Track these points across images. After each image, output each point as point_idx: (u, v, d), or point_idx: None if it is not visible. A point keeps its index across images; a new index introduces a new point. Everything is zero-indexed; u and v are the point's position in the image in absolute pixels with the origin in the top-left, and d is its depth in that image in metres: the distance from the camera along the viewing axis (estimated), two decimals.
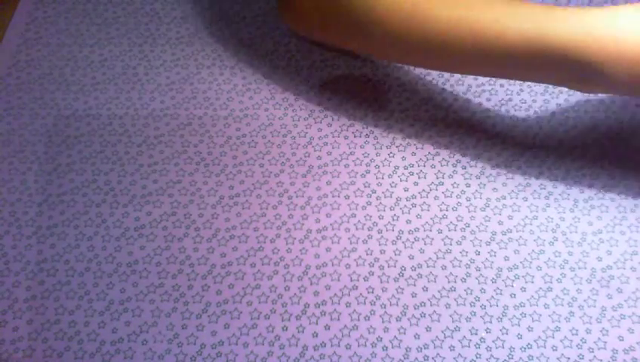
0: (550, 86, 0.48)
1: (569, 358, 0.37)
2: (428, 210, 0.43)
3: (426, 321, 0.39)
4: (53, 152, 0.47)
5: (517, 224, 0.42)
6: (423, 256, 0.41)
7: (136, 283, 0.41)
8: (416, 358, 0.37)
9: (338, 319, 0.39)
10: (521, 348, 0.37)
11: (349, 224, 0.42)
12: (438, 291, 0.40)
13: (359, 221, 0.42)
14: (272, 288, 0.40)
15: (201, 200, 0.44)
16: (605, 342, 0.37)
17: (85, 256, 0.42)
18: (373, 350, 0.38)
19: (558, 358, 0.37)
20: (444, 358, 0.37)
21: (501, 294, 0.39)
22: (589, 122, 0.46)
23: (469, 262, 0.40)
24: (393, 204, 0.43)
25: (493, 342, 0.38)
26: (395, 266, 0.41)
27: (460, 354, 0.37)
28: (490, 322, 0.38)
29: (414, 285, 0.40)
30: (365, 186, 0.44)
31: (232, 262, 0.41)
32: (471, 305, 0.39)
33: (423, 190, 0.44)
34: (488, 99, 0.47)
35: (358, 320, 0.39)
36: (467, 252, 0.41)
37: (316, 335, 0.38)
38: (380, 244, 0.41)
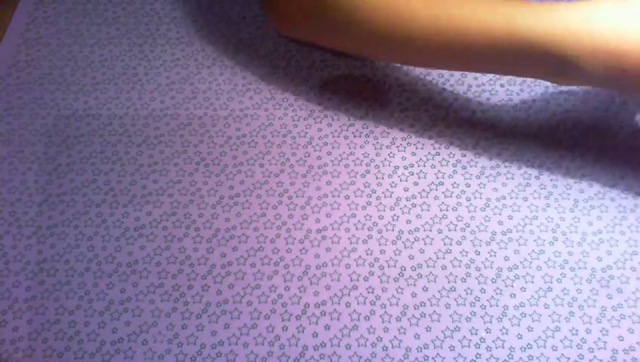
0: (550, 86, 0.48)
1: (569, 358, 0.37)
2: (428, 210, 0.43)
3: (426, 321, 0.38)
4: (53, 152, 0.47)
5: (517, 224, 0.42)
6: (423, 256, 0.41)
7: (136, 283, 0.41)
8: (416, 358, 0.37)
9: (338, 319, 0.39)
10: (521, 348, 0.37)
11: (349, 224, 0.42)
12: (438, 291, 0.40)
13: (359, 221, 0.42)
14: (272, 288, 0.40)
15: (201, 200, 0.44)
16: (605, 342, 0.37)
17: (85, 256, 0.42)
18: (373, 350, 0.38)
19: (558, 358, 0.37)
20: (444, 358, 0.37)
21: (501, 294, 0.39)
22: (589, 123, 0.46)
23: (469, 262, 0.40)
24: (393, 204, 0.43)
25: (493, 342, 0.38)
26: (395, 266, 0.41)
27: (460, 354, 0.37)
28: (490, 322, 0.38)
29: (414, 285, 0.40)
30: (365, 186, 0.44)
31: (232, 262, 0.41)
32: (471, 305, 0.39)
33: (423, 190, 0.44)
34: (488, 99, 0.47)
35: (358, 320, 0.39)
36: (467, 252, 0.41)
37: (316, 335, 0.38)
38: (379, 244, 0.41)
